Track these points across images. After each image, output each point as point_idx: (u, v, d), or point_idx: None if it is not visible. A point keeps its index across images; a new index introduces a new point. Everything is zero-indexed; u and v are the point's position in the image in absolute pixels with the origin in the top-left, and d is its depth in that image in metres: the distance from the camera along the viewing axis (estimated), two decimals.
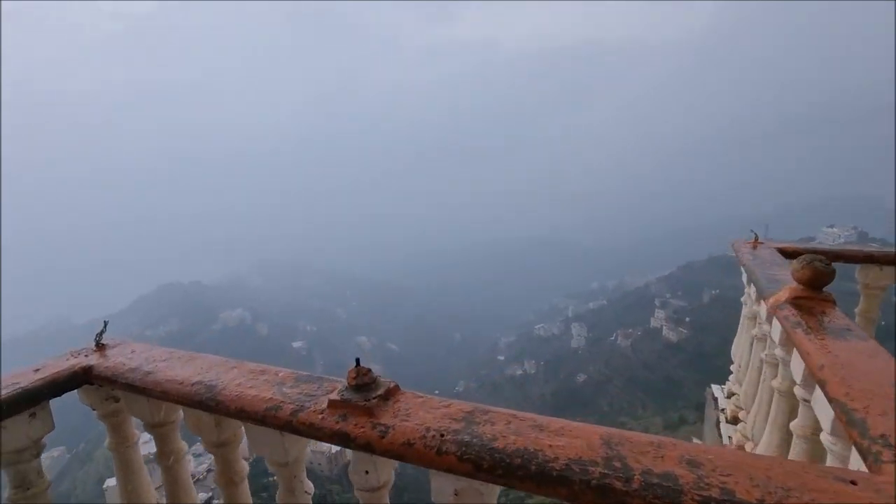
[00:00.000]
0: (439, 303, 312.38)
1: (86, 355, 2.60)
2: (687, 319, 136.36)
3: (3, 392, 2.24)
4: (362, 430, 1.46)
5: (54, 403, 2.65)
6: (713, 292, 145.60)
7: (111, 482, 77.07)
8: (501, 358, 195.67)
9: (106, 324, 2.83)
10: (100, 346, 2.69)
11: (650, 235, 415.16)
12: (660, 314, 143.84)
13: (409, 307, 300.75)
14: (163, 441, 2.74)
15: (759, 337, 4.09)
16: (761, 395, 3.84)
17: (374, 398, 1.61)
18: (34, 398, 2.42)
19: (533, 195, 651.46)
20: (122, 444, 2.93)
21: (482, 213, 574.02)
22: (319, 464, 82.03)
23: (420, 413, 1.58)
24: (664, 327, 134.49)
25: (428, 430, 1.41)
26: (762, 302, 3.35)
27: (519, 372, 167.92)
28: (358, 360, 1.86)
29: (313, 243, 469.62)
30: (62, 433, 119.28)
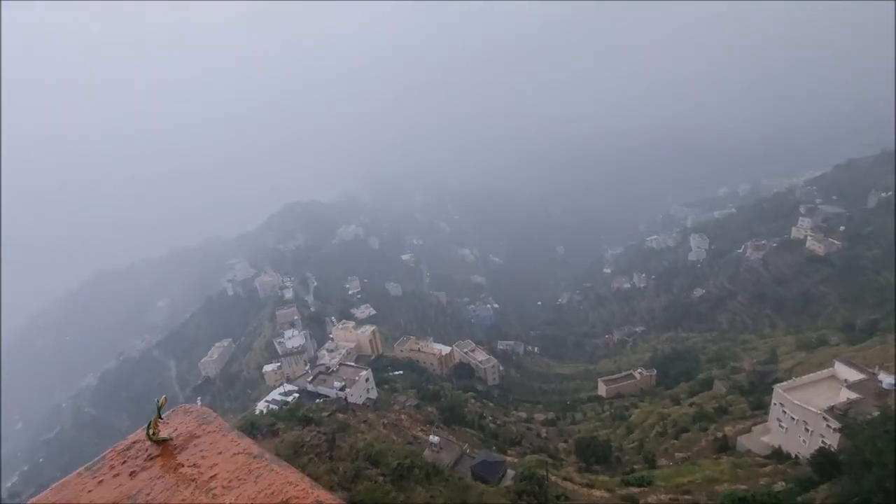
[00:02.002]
0: (543, 214, 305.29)
1: (131, 471, 1.47)
2: (841, 228, 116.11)
3: None
4: None
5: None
6: (883, 195, 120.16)
7: (268, 367, 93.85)
8: (608, 271, 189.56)
9: (160, 407, 1.81)
10: (160, 444, 1.65)
11: (798, 128, 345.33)
12: (805, 222, 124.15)
13: (511, 219, 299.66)
14: None
15: None
16: None
17: None
18: None
19: (647, 86, 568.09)
20: None
21: (590, 111, 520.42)
22: (432, 364, 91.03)
23: None
24: (809, 238, 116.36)
25: None
26: None
27: (627, 285, 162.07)
28: None
29: (417, 157, 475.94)
30: (228, 327, 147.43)
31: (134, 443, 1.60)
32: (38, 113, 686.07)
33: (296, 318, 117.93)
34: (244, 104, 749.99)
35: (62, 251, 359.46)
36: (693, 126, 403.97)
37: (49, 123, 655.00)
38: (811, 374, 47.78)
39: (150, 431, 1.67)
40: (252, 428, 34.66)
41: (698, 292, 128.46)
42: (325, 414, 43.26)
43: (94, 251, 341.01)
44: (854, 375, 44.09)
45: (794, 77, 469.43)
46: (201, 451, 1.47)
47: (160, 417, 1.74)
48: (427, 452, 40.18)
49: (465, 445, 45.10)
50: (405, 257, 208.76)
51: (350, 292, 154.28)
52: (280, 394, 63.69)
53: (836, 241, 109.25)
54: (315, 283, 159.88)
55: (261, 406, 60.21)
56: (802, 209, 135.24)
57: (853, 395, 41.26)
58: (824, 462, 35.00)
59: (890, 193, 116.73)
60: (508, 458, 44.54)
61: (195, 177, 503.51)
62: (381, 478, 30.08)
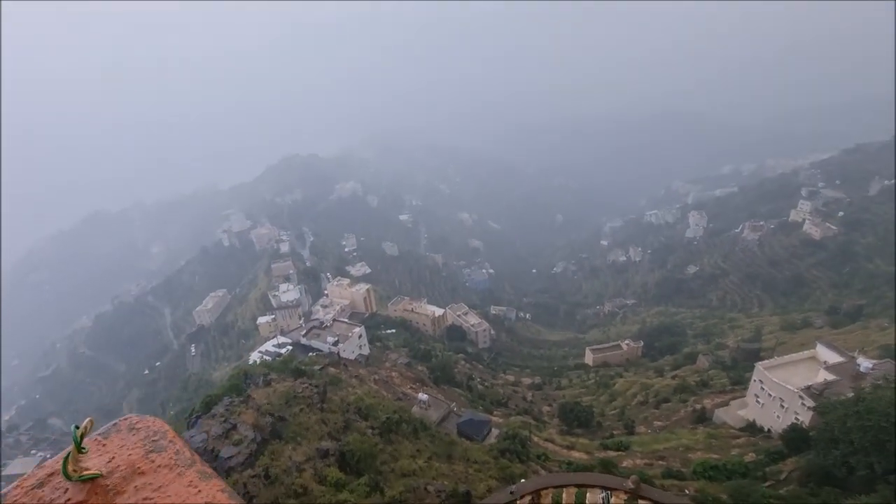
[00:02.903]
0: (544, 183, 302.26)
1: None
2: (840, 214, 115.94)
3: None
4: None
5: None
6: (885, 182, 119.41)
7: (262, 319, 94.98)
8: (605, 243, 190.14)
9: (81, 435, 1.22)
10: (86, 483, 1.11)
11: (810, 108, 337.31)
12: (804, 206, 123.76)
13: (512, 185, 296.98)
14: None
15: None
16: None
17: None
18: None
19: (658, 58, 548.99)
20: None
21: (599, 82, 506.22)
22: (424, 325, 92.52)
23: None
24: (807, 221, 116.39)
25: None
26: None
27: (622, 258, 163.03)
28: None
29: (418, 118, 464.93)
30: (223, 277, 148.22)
31: (51, 476, 1.02)
32: (35, 52, 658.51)
33: (291, 272, 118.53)
34: (241, 54, 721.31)
35: (55, 191, 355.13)
36: (702, 102, 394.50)
37: (45, 63, 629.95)
38: (792, 354, 49.01)
39: (69, 468, 1.12)
40: (246, 377, 35.47)
41: (692, 269, 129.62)
42: (317, 367, 44.22)
43: (85, 192, 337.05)
44: (834, 358, 45.26)
45: (809, 55, 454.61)
46: (144, 498, 0.94)
47: (80, 450, 1.17)
48: (416, 409, 41.49)
49: (453, 404, 46.55)
50: (403, 217, 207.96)
51: (346, 249, 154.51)
52: (274, 345, 64.87)
53: (832, 227, 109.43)
54: (311, 239, 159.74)
55: (254, 356, 61.45)
56: (804, 192, 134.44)
57: (830, 377, 42.48)
58: (795, 437, 36.48)
59: (892, 181, 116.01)
60: (494, 418, 46.11)
61: (190, 124, 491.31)
62: (370, 430, 31.16)
